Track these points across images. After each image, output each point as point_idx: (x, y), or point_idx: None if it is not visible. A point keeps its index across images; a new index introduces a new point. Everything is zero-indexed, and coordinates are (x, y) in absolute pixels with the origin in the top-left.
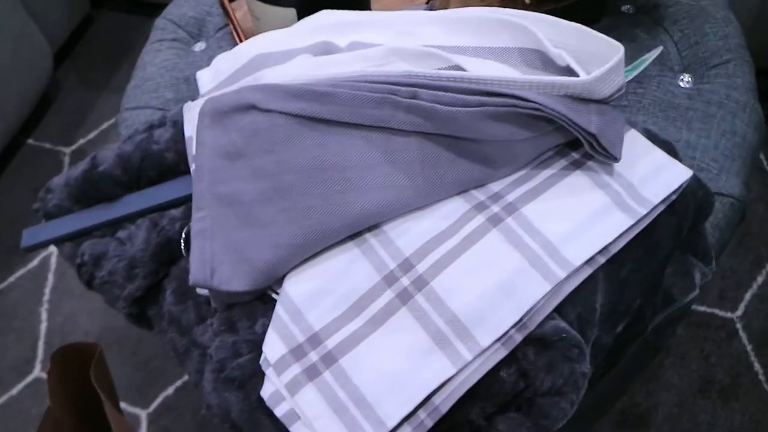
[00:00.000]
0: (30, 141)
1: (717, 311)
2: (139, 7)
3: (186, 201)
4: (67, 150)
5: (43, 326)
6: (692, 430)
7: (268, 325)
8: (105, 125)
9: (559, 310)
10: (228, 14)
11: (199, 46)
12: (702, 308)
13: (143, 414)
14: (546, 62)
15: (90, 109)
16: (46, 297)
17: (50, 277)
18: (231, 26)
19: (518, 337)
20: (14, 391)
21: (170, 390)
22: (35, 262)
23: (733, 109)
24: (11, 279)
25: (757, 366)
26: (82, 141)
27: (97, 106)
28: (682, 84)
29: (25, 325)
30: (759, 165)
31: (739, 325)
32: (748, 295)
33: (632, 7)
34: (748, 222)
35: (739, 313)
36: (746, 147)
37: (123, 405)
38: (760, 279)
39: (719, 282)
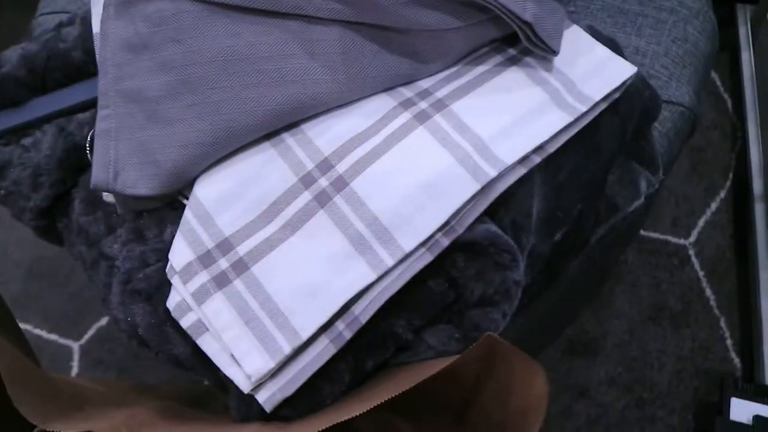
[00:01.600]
0: None
1: (670, 238)
2: None
3: (95, 104)
4: None
5: None
6: (641, 357)
7: None
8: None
9: (491, 214)
10: None
11: None
12: (654, 235)
13: (75, 345)
14: None
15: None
16: None
17: None
18: None
19: (445, 242)
20: None
21: (103, 321)
22: None
23: (686, 16)
24: None
25: (708, 292)
26: None
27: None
28: None
29: None
30: (716, 91)
31: (691, 252)
32: (701, 222)
33: None
34: (703, 148)
35: (691, 239)
36: (698, 55)
37: (54, 337)
38: (713, 206)
39: (673, 208)
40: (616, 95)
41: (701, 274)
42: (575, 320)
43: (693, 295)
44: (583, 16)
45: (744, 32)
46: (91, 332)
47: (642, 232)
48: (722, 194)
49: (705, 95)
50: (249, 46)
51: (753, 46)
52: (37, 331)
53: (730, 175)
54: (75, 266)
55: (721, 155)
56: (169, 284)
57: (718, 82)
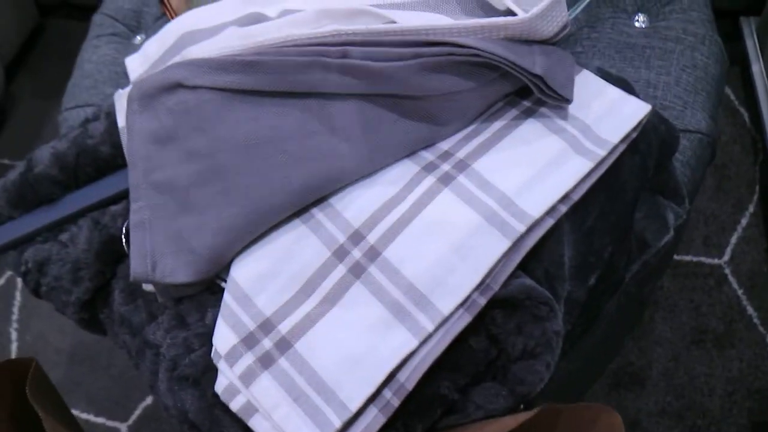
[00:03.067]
0: None
1: (703, 259)
2: (89, 12)
3: (127, 195)
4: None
5: (14, 347)
6: (689, 384)
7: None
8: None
9: (524, 267)
10: (163, 2)
11: (139, 39)
12: (687, 257)
13: (123, 427)
14: (485, 8)
15: (47, 120)
16: (15, 316)
17: (18, 296)
18: (167, 14)
19: (482, 300)
20: None
21: (149, 400)
22: (2, 281)
23: (692, 43)
24: None
25: (750, 310)
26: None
27: (53, 115)
28: (637, 24)
29: None
30: (730, 105)
31: (727, 271)
32: (733, 239)
33: None
34: (725, 164)
35: (726, 258)
36: (709, 80)
37: (102, 420)
38: (743, 221)
39: (702, 228)
40: (634, 135)
41: (740, 291)
42: (619, 353)
43: (734, 314)
44: (591, 54)
45: (752, 44)
46: (137, 412)
47: (675, 256)
48: (751, 208)
49: (721, 111)
50: (271, 129)
51: (762, 56)
52: (84, 416)
53: (757, 188)
54: (115, 348)
55: (744, 169)
56: (216, 368)
57: (732, 96)
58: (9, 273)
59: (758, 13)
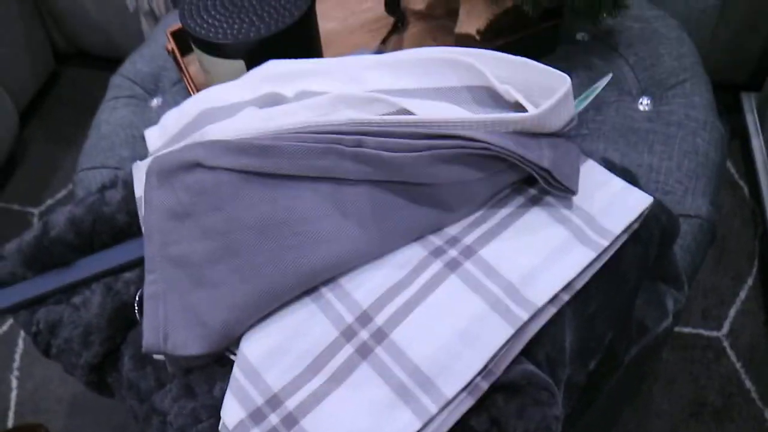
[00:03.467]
0: None
1: (702, 331)
2: (105, 62)
3: (140, 263)
4: (36, 210)
5: (14, 394)
6: None
7: (226, 389)
8: (68, 193)
9: (526, 351)
10: (181, 69)
11: (156, 102)
12: (686, 329)
13: None
14: (496, 99)
15: (58, 168)
16: (16, 363)
17: (20, 343)
18: (185, 81)
19: (484, 385)
20: None
21: None
22: (5, 328)
23: (693, 129)
24: None
25: (748, 383)
26: (50, 201)
27: (65, 164)
28: (641, 107)
29: None
30: (730, 178)
31: (726, 344)
32: (732, 312)
33: (587, 34)
34: (725, 237)
35: (724, 331)
36: (709, 165)
37: None
38: (742, 294)
39: (701, 301)
40: (636, 225)
41: (738, 365)
42: (616, 423)
43: (733, 388)
44: (596, 137)
45: (752, 120)
46: None
47: (674, 328)
48: (750, 281)
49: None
50: (285, 210)
51: (762, 132)
52: None
53: (756, 261)
54: (116, 402)
55: (743, 242)
56: None
57: (733, 170)
58: (12, 320)
59: (758, 88)
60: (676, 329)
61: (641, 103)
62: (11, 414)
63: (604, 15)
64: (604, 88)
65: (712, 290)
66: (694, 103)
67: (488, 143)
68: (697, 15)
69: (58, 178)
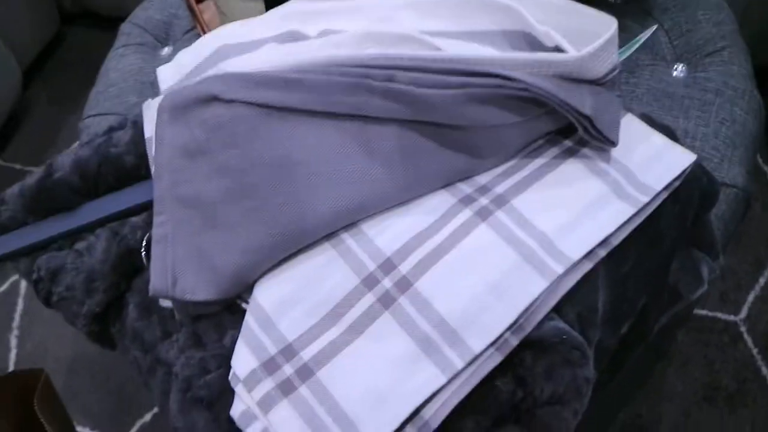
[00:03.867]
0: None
1: (719, 314)
2: (111, 22)
3: (148, 207)
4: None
5: (13, 354)
6: None
7: (237, 338)
8: (76, 144)
9: (557, 309)
10: (195, 15)
11: (167, 51)
12: (703, 312)
13: None
14: (532, 44)
15: (62, 127)
16: (16, 323)
17: (20, 302)
18: (198, 28)
19: (514, 341)
20: None
21: (147, 417)
22: (5, 287)
23: (731, 97)
24: None
25: (764, 370)
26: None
27: (68, 124)
28: (675, 73)
29: None
30: (755, 162)
31: (743, 329)
32: (750, 297)
33: None
34: (747, 221)
35: (742, 315)
36: (747, 135)
37: None
38: (762, 280)
39: (719, 284)
40: (677, 184)
41: (755, 351)
42: (628, 404)
43: (748, 373)
44: (629, 100)
45: None
46: (134, 429)
47: None
48: None
49: None
50: (306, 149)
51: None
52: (80, 429)
53: None
54: (116, 362)
55: (764, 227)
56: (231, 391)
57: (758, 154)
58: (13, 278)
59: None
60: (693, 311)
61: (676, 69)
62: None
63: None
64: (637, 51)
65: (731, 274)
66: (732, 72)
67: (529, 84)
68: None
69: (62, 138)
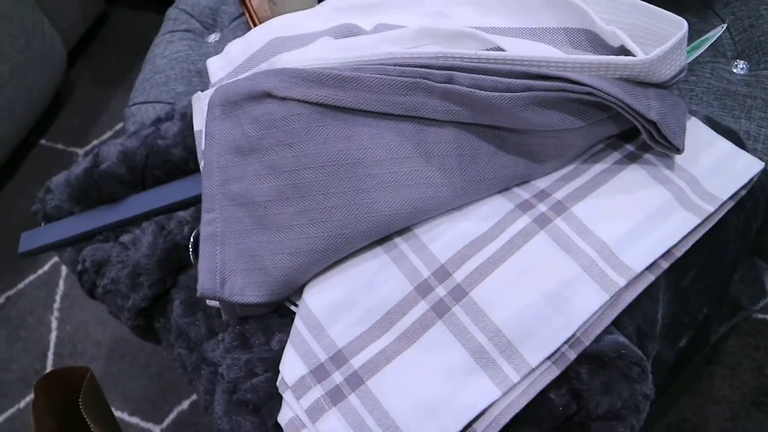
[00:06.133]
0: (42, 141)
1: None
2: (155, 3)
3: (196, 202)
4: (81, 151)
5: (53, 336)
6: None
7: (285, 342)
8: (119, 126)
9: (616, 322)
10: (243, 2)
11: (213, 37)
12: (753, 315)
13: (157, 429)
14: (595, 43)
15: (104, 108)
16: (57, 305)
17: (61, 284)
18: (247, 15)
19: (572, 355)
20: (21, 403)
21: (185, 404)
22: (46, 268)
23: None
24: (20, 285)
25: None
26: (95, 142)
27: (111, 105)
28: (736, 70)
29: (33, 335)
30: None
31: None
32: None
33: None
34: None
35: None
36: None
37: (136, 420)
38: None
39: None
40: (743, 193)
41: None
42: (673, 407)
43: None
44: (688, 98)
45: None
46: (172, 416)
47: None
48: None
49: None
50: (362, 150)
51: None
52: (119, 414)
53: None
54: (156, 348)
55: None
56: (278, 396)
57: None
58: (54, 260)
59: None
60: None
61: (736, 66)
62: (50, 354)
63: None
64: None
65: None
66: None
67: (594, 88)
68: None
69: (104, 119)
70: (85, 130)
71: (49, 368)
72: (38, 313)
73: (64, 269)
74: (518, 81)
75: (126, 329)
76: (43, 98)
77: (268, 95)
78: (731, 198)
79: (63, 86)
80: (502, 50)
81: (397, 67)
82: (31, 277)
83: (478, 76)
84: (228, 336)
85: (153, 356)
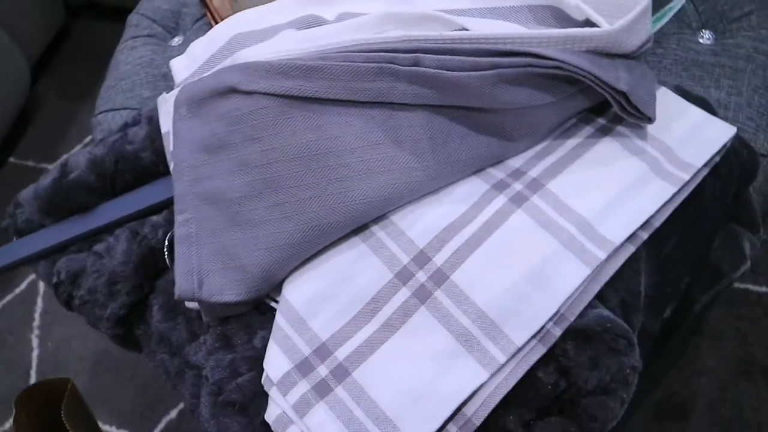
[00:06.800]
0: (11, 159)
1: (750, 286)
2: (117, 14)
3: (168, 205)
4: (51, 166)
5: (35, 354)
6: (736, 416)
7: (268, 339)
8: (88, 138)
9: (599, 296)
10: (204, 3)
11: (177, 41)
12: (734, 284)
13: None
14: (561, 19)
15: (72, 122)
16: (36, 322)
17: (39, 301)
18: (208, 15)
19: (557, 331)
20: (6, 425)
21: (173, 413)
22: (23, 286)
23: (763, 62)
24: None
25: None
26: (65, 156)
27: (79, 118)
28: (702, 41)
29: (14, 354)
30: None
31: None
32: None
33: None
34: None
35: None
36: None
37: None
38: None
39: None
40: (717, 159)
41: None
42: (661, 382)
43: None
44: (657, 71)
45: None
46: (161, 426)
47: None
48: None
49: None
50: (332, 139)
51: None
52: (107, 427)
53: None
54: (140, 359)
55: None
56: (264, 394)
57: None
58: (31, 278)
59: None
60: None
61: (702, 36)
62: (33, 373)
63: None
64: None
65: (761, 244)
66: (762, 36)
67: (562, 61)
68: None
69: (73, 133)
70: (54, 145)
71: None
72: (18, 332)
73: (41, 286)
74: (484, 59)
75: (108, 341)
76: (9, 115)
77: (234, 90)
78: (706, 165)
79: (28, 102)
80: (467, 30)
81: (362, 53)
82: (9, 297)
83: (444, 57)
84: (210, 337)
85: (138, 367)
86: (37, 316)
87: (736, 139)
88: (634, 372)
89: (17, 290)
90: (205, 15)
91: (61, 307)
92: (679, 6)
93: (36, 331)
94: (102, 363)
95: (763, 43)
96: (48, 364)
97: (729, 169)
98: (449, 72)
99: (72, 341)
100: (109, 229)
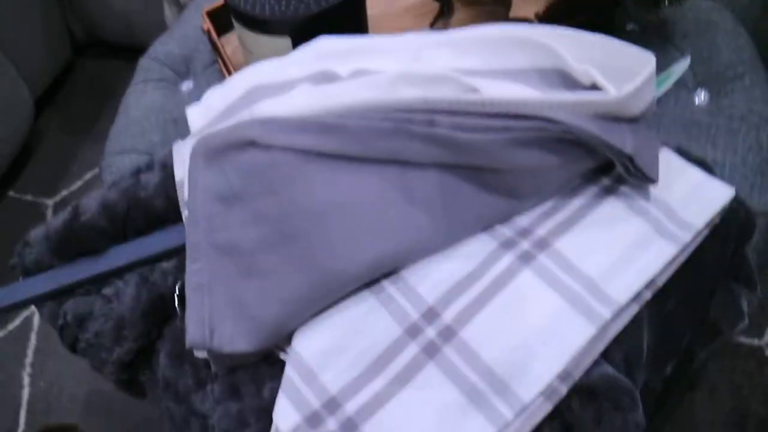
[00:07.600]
0: (11, 193)
1: (743, 339)
2: (122, 52)
3: (178, 252)
4: (50, 202)
5: (26, 392)
6: None
7: (277, 390)
8: (89, 175)
9: (603, 353)
10: (217, 49)
11: (187, 85)
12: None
13: None
14: (568, 82)
15: (73, 158)
16: (29, 360)
17: (33, 338)
18: (220, 62)
19: (563, 389)
20: None
21: None
22: (17, 323)
23: (757, 123)
24: None
25: None
26: (65, 192)
27: (80, 155)
28: (698, 101)
29: (5, 392)
30: None
31: None
32: None
33: (637, 26)
34: None
35: (766, 339)
36: None
37: None
38: None
39: None
40: (717, 219)
41: None
42: None
43: None
44: (656, 129)
45: None
46: None
47: None
48: None
49: None
50: (347, 196)
51: None
52: None
53: None
54: (132, 400)
55: None
56: None
57: None
58: (25, 314)
59: None
60: None
61: (698, 96)
62: (23, 413)
63: (666, 2)
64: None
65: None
66: (755, 97)
67: (571, 125)
68: (741, 6)
69: (74, 169)
70: (54, 181)
71: (22, 426)
72: (9, 370)
73: (36, 323)
74: (498, 122)
75: (103, 382)
76: (11, 148)
77: (252, 143)
78: (706, 225)
79: (30, 136)
80: (479, 92)
81: (378, 113)
82: (1, 333)
83: (458, 118)
84: (218, 387)
85: (130, 408)
86: (30, 353)
87: (734, 198)
88: (637, 429)
89: (11, 326)
90: (216, 61)
91: (55, 344)
92: (681, 72)
93: (28, 369)
94: (94, 404)
95: (756, 104)
96: (39, 403)
97: (727, 229)
98: (463, 134)
99: (64, 381)
100: (118, 273)
